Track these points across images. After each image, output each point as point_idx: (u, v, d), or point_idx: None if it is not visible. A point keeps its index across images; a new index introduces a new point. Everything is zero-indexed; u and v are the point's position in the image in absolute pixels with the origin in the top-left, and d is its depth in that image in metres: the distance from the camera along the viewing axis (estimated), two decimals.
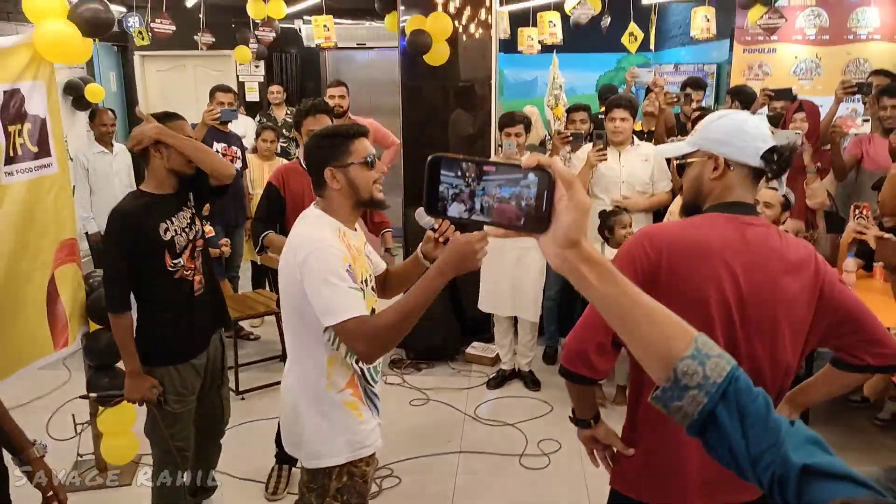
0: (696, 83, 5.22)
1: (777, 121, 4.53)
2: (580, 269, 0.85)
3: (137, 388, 2.61)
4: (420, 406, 4.28)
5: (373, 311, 2.04)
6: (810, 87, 7.05)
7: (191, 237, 2.69)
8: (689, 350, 0.84)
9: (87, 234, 5.26)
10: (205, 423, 2.89)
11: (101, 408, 3.23)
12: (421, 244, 2.18)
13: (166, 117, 2.69)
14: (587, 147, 4.24)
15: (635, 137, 4.32)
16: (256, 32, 6.97)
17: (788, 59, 7.12)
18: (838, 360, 1.75)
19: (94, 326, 3.24)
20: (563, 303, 4.67)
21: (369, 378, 2.11)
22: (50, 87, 2.99)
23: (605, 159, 4.02)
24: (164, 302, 2.64)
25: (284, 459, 3.42)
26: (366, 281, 2.06)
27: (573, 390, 1.85)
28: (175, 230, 2.63)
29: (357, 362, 2.05)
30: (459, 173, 0.88)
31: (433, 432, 3.95)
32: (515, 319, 4.52)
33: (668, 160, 4.27)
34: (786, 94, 4.72)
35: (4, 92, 2.69)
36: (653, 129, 4.95)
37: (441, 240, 2.12)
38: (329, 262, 1.88)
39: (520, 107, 6.71)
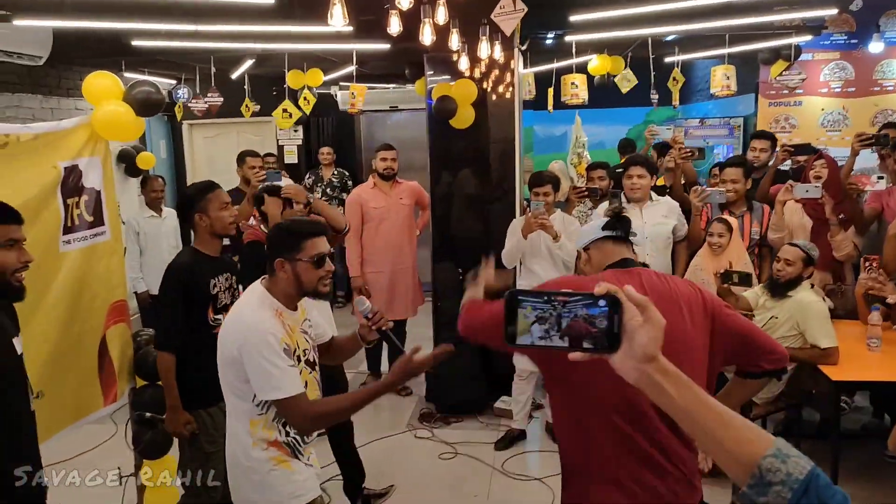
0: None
1: (800, 174, 4.62)
2: (660, 383, 0.93)
3: (173, 421, 2.93)
4: (449, 460, 4.36)
5: (305, 384, 2.25)
6: (838, 138, 7.12)
7: (228, 301, 2.97)
8: (772, 450, 0.92)
9: (136, 293, 5.53)
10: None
11: (145, 461, 3.41)
12: (358, 328, 2.45)
13: (209, 188, 2.98)
14: (603, 206, 4.38)
15: (653, 193, 4.44)
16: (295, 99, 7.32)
17: (815, 111, 7.21)
18: (741, 370, 2.10)
19: (140, 382, 3.45)
20: None
21: (294, 438, 2.29)
22: (105, 161, 3.28)
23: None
24: (200, 351, 2.86)
25: None
26: (299, 357, 2.27)
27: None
28: (220, 287, 2.99)
29: (282, 429, 2.25)
30: (539, 303, 0.96)
31: (461, 485, 4.03)
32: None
33: (687, 215, 4.39)
34: (806, 148, 4.81)
35: (65, 168, 2.97)
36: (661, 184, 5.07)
37: (374, 328, 2.37)
38: (268, 343, 2.11)
39: (549, 161, 6.92)
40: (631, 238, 2.12)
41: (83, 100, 3.29)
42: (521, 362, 4.47)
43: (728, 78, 5.65)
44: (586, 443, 1.87)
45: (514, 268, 4.50)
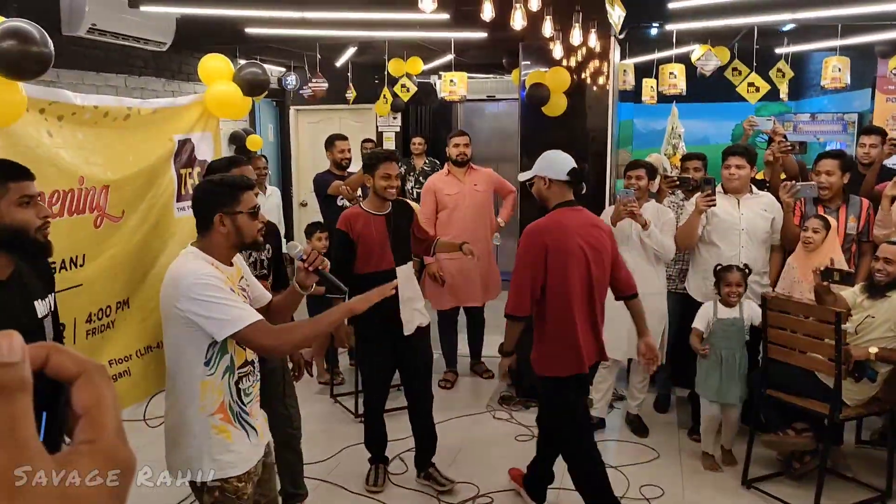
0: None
1: None
2: None
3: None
4: (525, 442, 4.42)
5: None
6: None
7: (259, 273, 3.12)
8: None
9: None
10: (274, 431, 3.23)
11: None
12: (294, 276, 2.46)
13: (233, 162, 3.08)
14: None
15: (754, 186, 4.31)
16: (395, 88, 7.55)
17: None
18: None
19: None
20: (678, 351, 4.65)
21: (240, 404, 2.31)
22: (215, 137, 3.55)
23: (714, 204, 4.02)
24: None
25: (378, 459, 3.88)
26: None
27: (514, 328, 3.28)
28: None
29: (231, 388, 2.27)
30: None
31: None
32: (629, 365, 4.59)
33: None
34: None
35: (179, 141, 3.24)
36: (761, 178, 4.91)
37: (311, 269, 2.38)
38: (212, 284, 2.14)
39: (647, 154, 6.81)
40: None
41: (201, 84, 3.56)
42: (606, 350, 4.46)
43: (839, 70, 5.38)
44: (566, 311, 3.15)
45: None
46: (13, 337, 0.46)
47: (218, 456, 2.25)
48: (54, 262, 2.51)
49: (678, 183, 4.30)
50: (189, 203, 3.40)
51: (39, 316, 2.03)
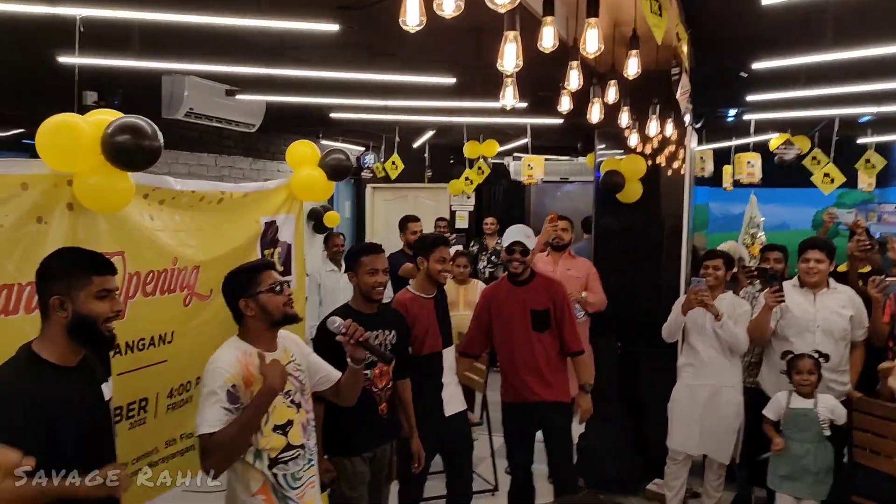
0: None
1: None
2: None
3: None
4: None
5: (289, 422, 2.35)
6: None
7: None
8: None
9: (313, 340, 5.98)
10: None
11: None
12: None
13: (364, 252, 3.21)
14: (786, 284, 4.17)
15: (832, 280, 4.17)
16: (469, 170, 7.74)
17: None
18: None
19: None
20: (755, 448, 4.42)
21: (284, 484, 2.35)
22: (298, 218, 3.69)
23: (782, 301, 3.90)
24: (354, 406, 2.97)
25: None
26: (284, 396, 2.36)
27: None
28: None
29: (269, 468, 2.32)
30: None
31: None
32: (703, 461, 4.40)
33: (868, 310, 4.06)
34: None
35: (265, 223, 3.39)
36: (860, 270, 4.72)
37: (352, 342, 2.42)
38: (210, 379, 2.25)
39: (723, 239, 6.69)
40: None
41: (284, 163, 3.75)
42: (675, 443, 4.30)
43: None
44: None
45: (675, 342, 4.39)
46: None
47: None
48: (143, 339, 2.63)
49: (756, 273, 4.19)
50: None
51: (105, 399, 2.13)
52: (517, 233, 3.88)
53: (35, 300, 2.04)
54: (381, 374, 3.18)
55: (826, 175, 5.61)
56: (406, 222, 5.68)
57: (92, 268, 1.98)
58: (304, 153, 3.62)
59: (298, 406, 2.47)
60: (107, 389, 2.14)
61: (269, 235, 3.45)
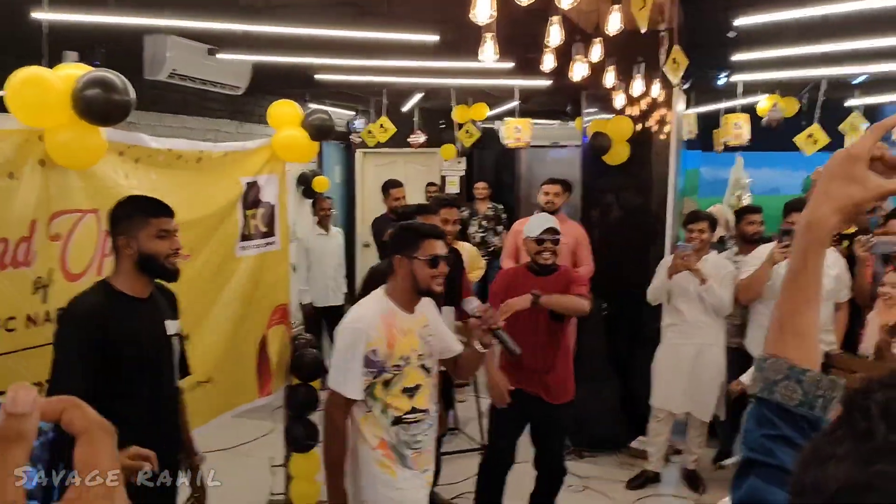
0: None
1: None
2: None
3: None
4: (576, 493, 4.33)
5: (417, 386, 2.40)
6: None
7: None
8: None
9: (301, 304, 6.02)
10: None
11: (293, 454, 3.73)
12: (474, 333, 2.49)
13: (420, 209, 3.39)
14: (763, 247, 4.20)
15: None
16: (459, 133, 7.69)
17: None
18: None
19: (295, 381, 3.79)
20: (738, 406, 4.48)
21: (403, 444, 2.40)
22: (281, 179, 3.68)
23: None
24: None
25: None
26: (407, 358, 2.39)
27: None
28: None
29: (389, 430, 2.38)
30: None
31: None
32: (686, 419, 4.47)
33: (852, 268, 4.09)
34: None
35: (247, 183, 3.38)
36: (846, 231, 4.73)
37: (484, 328, 2.40)
38: (348, 341, 2.32)
39: (713, 203, 6.68)
40: None
41: (268, 126, 3.73)
42: (658, 401, 4.37)
43: None
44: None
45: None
46: (24, 390, 0.50)
47: (383, 490, 2.37)
48: None
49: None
50: (254, 243, 3.55)
51: (168, 333, 2.33)
52: (547, 220, 3.63)
53: (8, 256, 2.11)
54: None
55: (810, 136, 5.60)
56: (388, 187, 5.64)
57: (150, 211, 2.20)
58: (286, 113, 3.60)
59: (428, 371, 2.50)
60: (172, 325, 2.35)
61: (251, 196, 3.45)
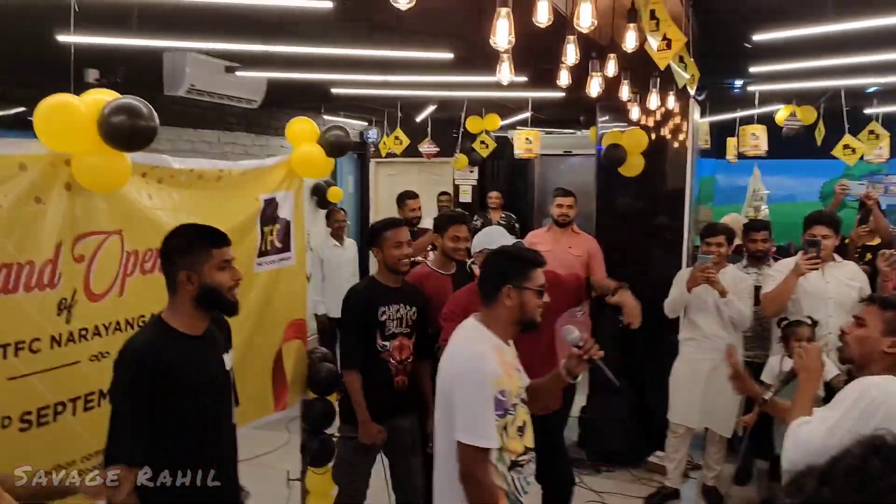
0: None
1: None
2: None
3: (368, 432, 3.23)
4: None
5: (524, 423, 2.22)
6: None
7: (397, 330, 3.26)
8: None
9: (315, 315, 6.04)
10: (399, 492, 3.40)
11: (310, 468, 3.74)
12: (564, 360, 2.32)
13: (388, 226, 3.35)
14: (787, 260, 4.15)
15: (836, 255, 4.16)
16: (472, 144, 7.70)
17: None
18: None
19: (311, 395, 3.80)
20: (758, 421, 4.45)
21: (518, 489, 2.20)
22: (297, 195, 3.70)
23: (817, 268, 3.85)
24: (370, 373, 3.23)
25: None
26: (520, 396, 2.23)
27: None
28: (389, 316, 3.27)
29: (507, 476, 2.16)
30: None
31: None
32: (705, 433, 4.44)
33: (872, 282, 4.04)
34: None
35: (265, 200, 3.40)
36: (868, 243, 4.71)
37: (585, 357, 2.25)
38: (476, 384, 2.09)
39: (729, 212, 6.64)
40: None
41: (282, 138, 3.76)
42: (676, 416, 4.34)
43: None
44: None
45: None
46: None
47: None
48: (143, 316, 2.66)
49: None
50: (269, 259, 3.56)
51: (227, 368, 2.28)
52: (503, 234, 3.44)
53: (34, 278, 2.12)
54: (402, 347, 3.29)
55: (846, 146, 5.54)
56: (404, 199, 5.65)
57: (211, 241, 2.15)
58: (303, 130, 3.61)
59: (526, 405, 2.30)
60: (228, 359, 2.30)
61: (269, 213, 3.46)
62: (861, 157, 5.94)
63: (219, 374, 2.24)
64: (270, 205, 3.45)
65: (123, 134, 2.21)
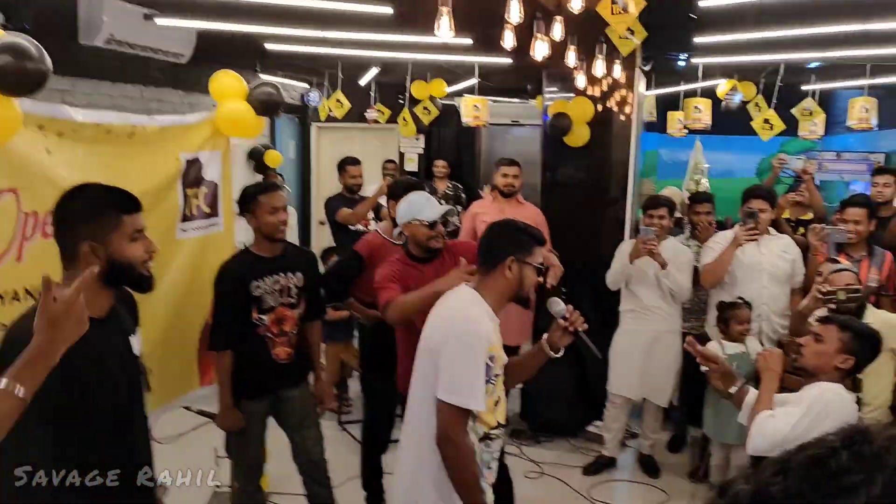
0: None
1: None
2: None
3: (226, 418, 3.06)
4: (534, 479, 4.29)
5: (499, 398, 2.15)
6: None
7: (277, 303, 3.05)
8: None
9: None
10: (298, 462, 3.27)
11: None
12: (548, 333, 2.24)
13: (262, 190, 3.05)
14: (724, 232, 4.17)
15: (771, 228, 4.18)
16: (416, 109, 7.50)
17: None
18: None
19: None
20: (692, 390, 4.49)
21: (482, 463, 2.14)
22: (225, 156, 3.48)
23: (756, 239, 3.91)
24: (245, 349, 3.03)
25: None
26: (501, 369, 2.15)
27: None
28: (265, 289, 3.04)
29: (479, 450, 2.10)
30: None
31: None
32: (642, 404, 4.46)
33: (805, 256, 4.08)
34: None
35: (187, 160, 3.17)
36: (802, 217, 4.75)
37: (570, 329, 2.18)
38: (472, 345, 2.02)
39: (670, 186, 6.66)
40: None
41: (208, 95, 3.51)
42: (615, 387, 4.33)
43: (867, 111, 5.24)
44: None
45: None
46: None
47: None
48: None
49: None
50: (195, 225, 3.34)
51: (136, 353, 1.98)
52: (439, 204, 3.19)
53: None
54: (283, 318, 3.09)
55: (766, 121, 5.62)
56: (345, 165, 5.44)
57: (121, 206, 1.82)
58: (229, 85, 3.39)
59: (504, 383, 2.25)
60: (135, 342, 1.98)
61: (192, 174, 3.24)
62: (788, 134, 6.01)
63: (125, 362, 1.92)
64: (193, 165, 3.23)
65: (8, 76, 1.96)
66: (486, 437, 2.14)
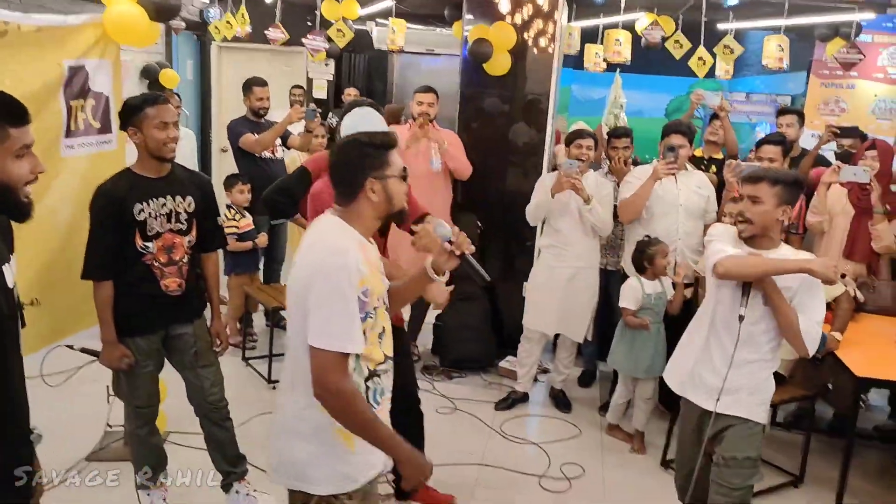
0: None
1: (846, 158, 4.34)
2: None
3: (110, 355, 2.76)
4: (446, 415, 4.25)
5: (383, 329, 1.98)
6: (888, 127, 6.75)
7: (165, 229, 2.75)
8: None
9: None
10: (192, 403, 3.04)
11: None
12: (431, 257, 2.07)
13: (150, 101, 2.65)
14: (643, 167, 4.17)
15: (688, 164, 4.21)
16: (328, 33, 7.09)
17: (867, 97, 6.83)
18: None
19: None
20: (604, 326, 4.55)
21: (372, 400, 1.96)
22: (115, 66, 3.11)
23: (674, 174, 3.93)
24: (130, 279, 2.73)
25: None
26: (382, 298, 1.98)
27: None
28: (151, 213, 2.71)
29: (365, 381, 1.93)
30: None
31: (455, 442, 3.92)
32: (554, 340, 4.48)
33: (719, 192, 4.15)
34: (852, 131, 4.52)
35: (70, 67, 2.80)
36: (714, 156, 4.81)
37: (457, 253, 2.03)
38: (345, 275, 1.81)
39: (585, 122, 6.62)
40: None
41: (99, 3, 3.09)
42: (532, 323, 4.32)
43: (781, 50, 5.31)
44: None
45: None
46: None
47: (338, 466, 1.93)
48: None
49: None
50: (82, 141, 2.99)
51: (9, 285, 1.68)
52: (379, 120, 2.95)
53: None
54: (172, 246, 2.78)
55: (700, 59, 5.63)
56: (251, 85, 5.05)
57: (8, 117, 1.55)
58: None
59: (387, 309, 2.04)
60: (8, 273, 1.67)
61: (77, 83, 2.88)
62: (713, 73, 6.05)
63: None
64: (78, 74, 2.87)
65: None
66: (373, 375, 1.97)
